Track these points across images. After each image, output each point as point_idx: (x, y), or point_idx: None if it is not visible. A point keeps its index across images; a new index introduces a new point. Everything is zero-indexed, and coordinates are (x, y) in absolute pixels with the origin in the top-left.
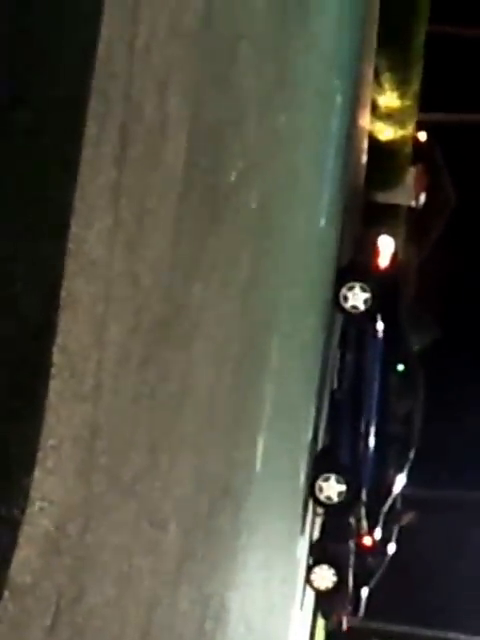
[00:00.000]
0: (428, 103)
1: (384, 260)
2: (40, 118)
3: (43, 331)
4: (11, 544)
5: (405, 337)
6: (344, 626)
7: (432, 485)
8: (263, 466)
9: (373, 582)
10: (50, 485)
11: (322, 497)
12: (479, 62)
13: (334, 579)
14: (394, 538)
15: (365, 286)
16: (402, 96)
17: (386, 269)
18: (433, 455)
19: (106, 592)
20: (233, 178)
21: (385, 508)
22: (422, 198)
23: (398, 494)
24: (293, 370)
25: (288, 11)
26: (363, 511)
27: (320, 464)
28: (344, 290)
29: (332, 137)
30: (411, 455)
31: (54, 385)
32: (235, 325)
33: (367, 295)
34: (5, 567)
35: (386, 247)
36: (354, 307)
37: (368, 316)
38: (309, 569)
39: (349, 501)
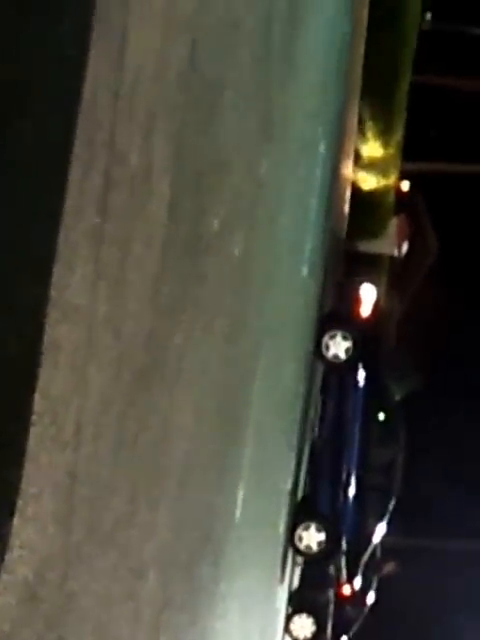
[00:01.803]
0: (411, 152)
1: (366, 309)
2: (24, 164)
3: (24, 377)
4: None
5: (386, 386)
6: None
7: (412, 534)
8: (243, 514)
9: (352, 632)
10: (29, 532)
11: (302, 546)
12: (462, 112)
13: (313, 628)
14: (373, 588)
15: (347, 335)
16: (385, 145)
17: (368, 318)
18: (414, 504)
19: None
20: (216, 226)
21: (365, 557)
22: (404, 247)
23: (378, 543)
24: (274, 418)
25: (272, 60)
26: (343, 560)
27: (300, 513)
28: (326, 338)
29: (315, 186)
30: (392, 504)
31: (34, 432)
32: (217, 373)
33: (349, 344)
34: None
35: (368, 296)
36: (335, 356)
37: (349, 365)
38: (288, 618)
39: (329, 550)
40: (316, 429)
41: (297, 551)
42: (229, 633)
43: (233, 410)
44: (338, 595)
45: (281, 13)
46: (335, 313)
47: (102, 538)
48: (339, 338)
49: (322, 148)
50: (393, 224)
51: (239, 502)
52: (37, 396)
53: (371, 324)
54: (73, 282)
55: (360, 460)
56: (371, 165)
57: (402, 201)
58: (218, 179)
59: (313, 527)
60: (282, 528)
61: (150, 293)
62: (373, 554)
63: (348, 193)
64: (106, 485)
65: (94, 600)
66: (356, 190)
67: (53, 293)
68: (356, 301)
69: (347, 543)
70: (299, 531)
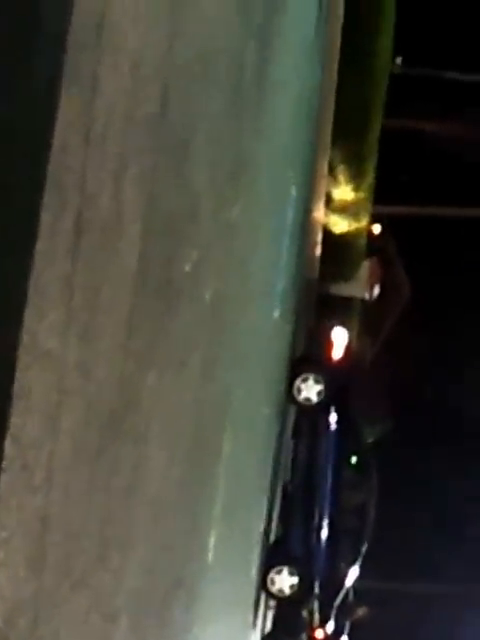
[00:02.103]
0: (383, 195)
1: (338, 352)
2: None
3: None
4: None
5: (358, 429)
6: None
7: (384, 578)
8: (215, 558)
9: None
10: (0, 577)
11: (274, 590)
12: (434, 156)
13: None
14: (346, 631)
15: (319, 378)
16: (356, 189)
17: (340, 361)
18: (386, 547)
19: None
20: (187, 269)
21: (337, 601)
22: (376, 291)
23: (350, 587)
24: (246, 461)
25: (243, 104)
26: (315, 604)
27: (272, 556)
28: (298, 382)
29: (286, 229)
30: (364, 548)
31: (5, 477)
32: (188, 417)
33: (320, 387)
34: None
35: (340, 339)
36: (307, 399)
37: (321, 408)
38: None
39: (301, 594)
40: (288, 472)
41: (269, 595)
42: None
43: (205, 453)
44: (311, 639)
45: (252, 57)
46: (307, 356)
47: (74, 583)
48: (311, 381)
49: (293, 192)
50: (365, 267)
51: (211, 546)
52: (8, 441)
53: (343, 367)
54: (44, 326)
55: (332, 503)
56: (342, 209)
57: (374, 244)
58: (189, 223)
59: (285, 571)
60: (254, 572)
61: (121, 337)
62: (345, 598)
63: (319, 236)
64: (77, 530)
65: None
66: (327, 233)
67: (24, 337)
68: (328, 344)
69: (320, 587)
70: (271, 574)
